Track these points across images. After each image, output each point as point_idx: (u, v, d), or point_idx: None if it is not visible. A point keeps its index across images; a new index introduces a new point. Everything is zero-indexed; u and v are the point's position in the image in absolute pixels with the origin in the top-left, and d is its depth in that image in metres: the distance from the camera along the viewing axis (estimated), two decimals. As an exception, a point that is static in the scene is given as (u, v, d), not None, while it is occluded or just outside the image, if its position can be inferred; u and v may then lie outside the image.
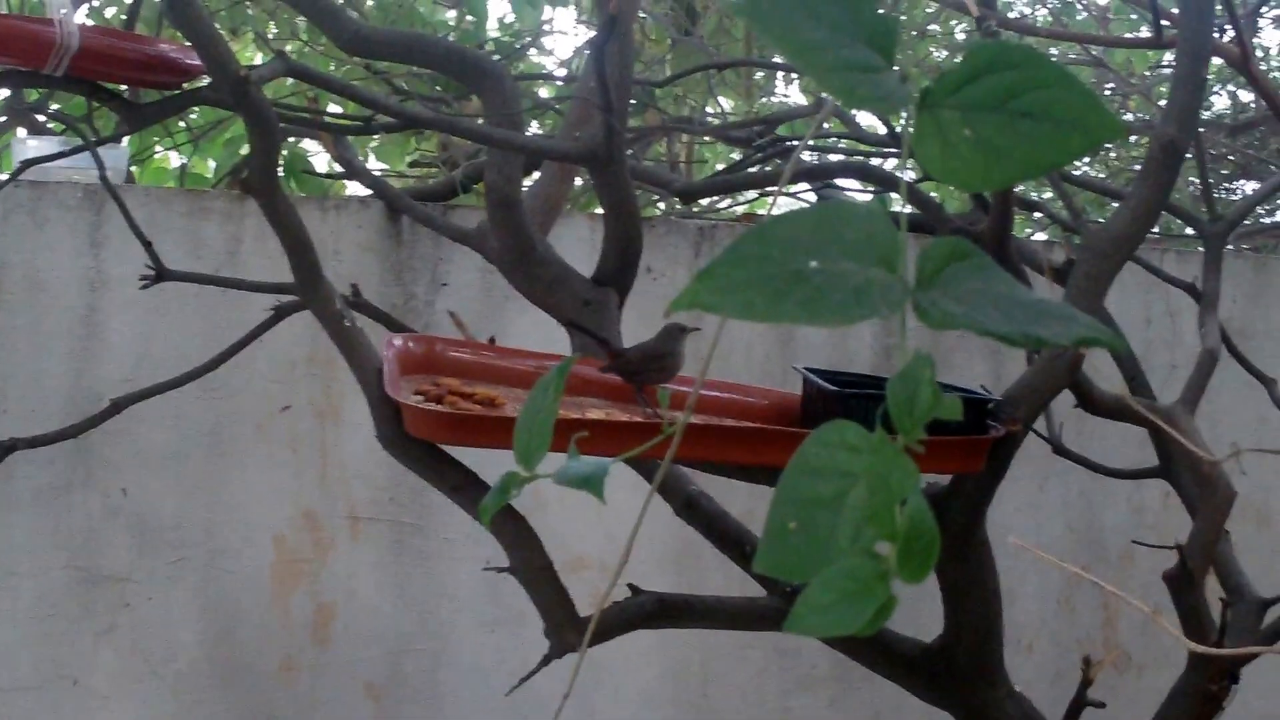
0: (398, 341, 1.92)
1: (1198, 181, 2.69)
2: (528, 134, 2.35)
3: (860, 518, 0.68)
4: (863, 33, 0.72)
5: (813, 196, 3.00)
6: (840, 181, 2.83)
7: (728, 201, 3.94)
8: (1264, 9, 3.61)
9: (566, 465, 0.85)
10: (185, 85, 2.27)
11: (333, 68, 3.52)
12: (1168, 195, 1.83)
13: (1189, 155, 2.30)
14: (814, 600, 0.67)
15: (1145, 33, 3.26)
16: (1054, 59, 0.71)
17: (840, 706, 3.11)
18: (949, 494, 1.87)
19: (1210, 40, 1.81)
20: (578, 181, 3.33)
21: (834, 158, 3.11)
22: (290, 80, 2.62)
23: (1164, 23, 2.07)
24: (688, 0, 3.89)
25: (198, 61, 1.94)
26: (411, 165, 3.94)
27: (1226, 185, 4.28)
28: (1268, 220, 4.05)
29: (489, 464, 1.51)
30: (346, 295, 2.24)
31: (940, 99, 0.71)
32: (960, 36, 4.20)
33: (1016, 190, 2.27)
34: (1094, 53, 3.49)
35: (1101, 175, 4.69)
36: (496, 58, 3.36)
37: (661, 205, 3.93)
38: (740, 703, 3.10)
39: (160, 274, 2.37)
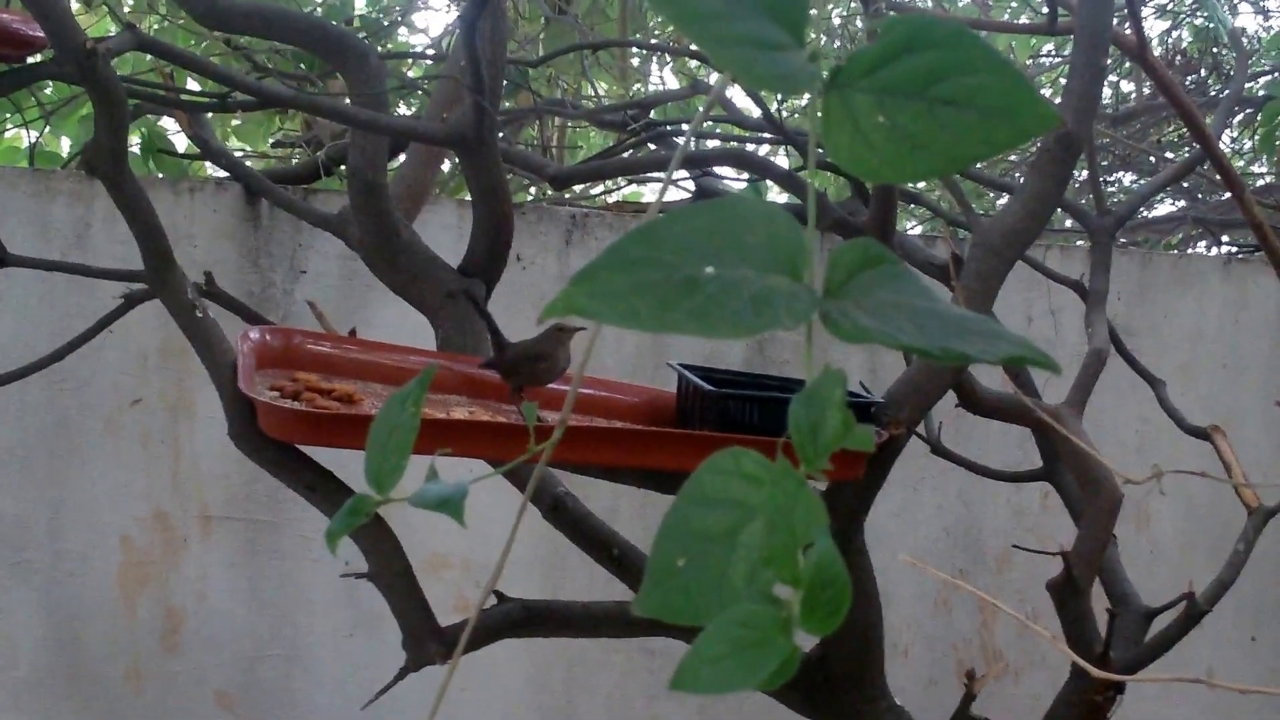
0: (254, 334, 1.82)
1: (1083, 174, 2.65)
2: (393, 115, 2.23)
3: (757, 557, 0.59)
4: (767, 5, 0.63)
5: (691, 184, 2.92)
6: (719, 169, 2.76)
7: (600, 189, 3.85)
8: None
9: (423, 488, 0.76)
10: (29, 58, 2.14)
11: (194, 44, 3.37)
12: (1063, 189, 1.77)
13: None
14: (705, 651, 0.58)
15: (1027, 19, 3.21)
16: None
17: (709, 714, 3.05)
18: (827, 501, 1.78)
19: (1110, 28, 1.74)
20: (445, 166, 3.23)
21: (712, 143, 3.03)
22: (149, 56, 2.49)
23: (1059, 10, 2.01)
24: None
25: (41, 33, 1.81)
26: (274, 146, 3.81)
27: (1106, 178, 4.27)
28: (1149, 214, 4.04)
29: (348, 461, 1.42)
30: (199, 284, 2.13)
31: (852, 81, 0.63)
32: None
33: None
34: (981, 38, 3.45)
35: (982, 165, 4.68)
36: (363, 35, 3.24)
37: (532, 191, 3.83)
38: (605, 711, 3.03)
39: (2, 259, 2.23)
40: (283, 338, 1.88)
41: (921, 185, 4.26)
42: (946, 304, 0.63)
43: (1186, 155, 2.96)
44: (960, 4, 3.78)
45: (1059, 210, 2.54)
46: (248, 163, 3.27)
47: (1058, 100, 1.98)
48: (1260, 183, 4.11)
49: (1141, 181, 3.95)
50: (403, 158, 2.75)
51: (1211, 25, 3.52)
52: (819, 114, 0.62)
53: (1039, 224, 1.74)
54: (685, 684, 0.56)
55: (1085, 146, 1.82)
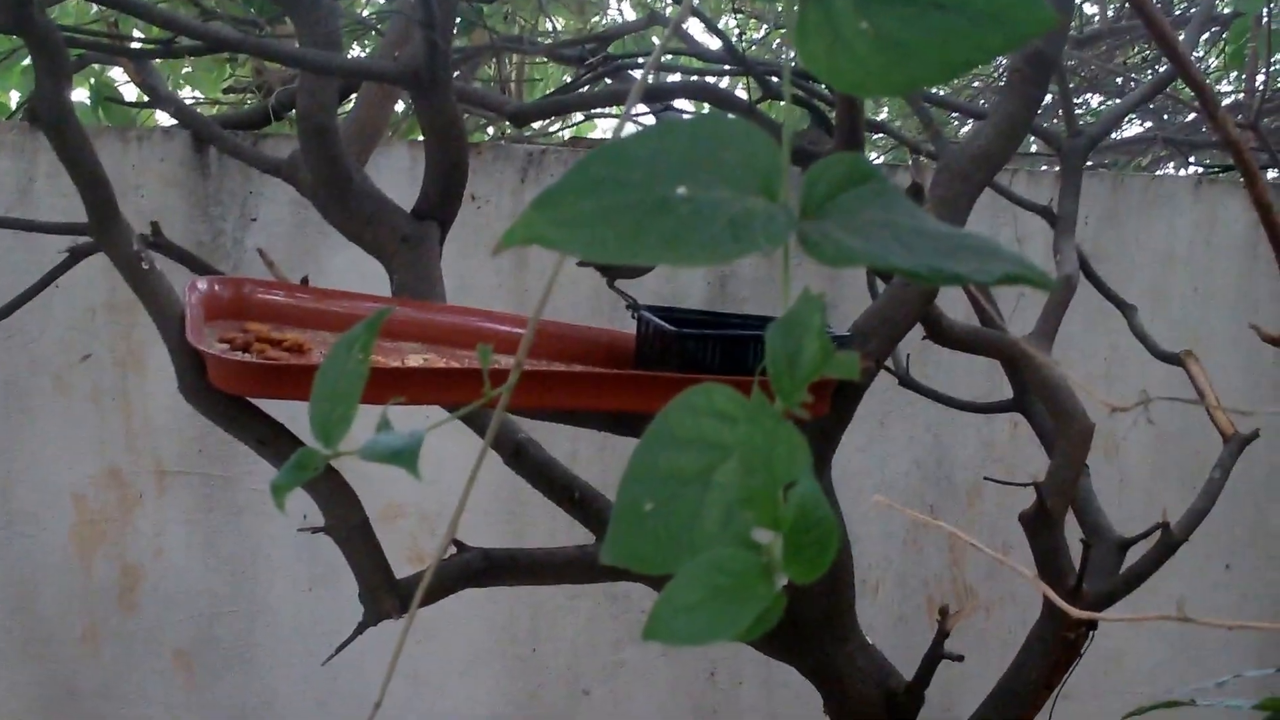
0: (202, 285, 1.76)
1: (1053, 95, 2.60)
2: (345, 56, 2.16)
3: (733, 499, 0.54)
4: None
5: (652, 119, 2.85)
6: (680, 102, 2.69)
7: (557, 125, 3.77)
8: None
9: (375, 439, 0.70)
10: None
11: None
12: (1035, 110, 1.71)
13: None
14: (679, 599, 0.53)
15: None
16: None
17: (674, 656, 3.02)
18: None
19: (1074, -55, 1.68)
20: (399, 106, 3.16)
21: (672, 77, 2.97)
22: (95, 6, 2.42)
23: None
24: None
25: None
26: (226, 91, 3.75)
27: (1074, 100, 4.22)
28: (1119, 136, 4.00)
29: (303, 413, 1.37)
30: (145, 235, 2.07)
31: (834, -15, 0.57)
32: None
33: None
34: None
35: (946, 91, 4.63)
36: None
37: (489, 130, 3.76)
38: (571, 656, 3.00)
39: (-57, 215, 2.16)
40: (232, 287, 1.83)
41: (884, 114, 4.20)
42: (937, 223, 0.58)
43: (1153, 76, 2.90)
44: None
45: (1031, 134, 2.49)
46: (199, 109, 3.20)
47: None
48: (1227, 101, 4.07)
49: (1109, 103, 3.90)
50: (355, 99, 2.68)
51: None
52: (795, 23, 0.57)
53: (1011, 146, 1.69)
54: (659, 634, 0.51)
55: (1057, 65, 1.76)
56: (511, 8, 3.65)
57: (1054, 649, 1.96)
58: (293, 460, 0.71)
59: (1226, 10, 3.65)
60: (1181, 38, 2.45)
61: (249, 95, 3.58)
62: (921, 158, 2.74)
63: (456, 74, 3.55)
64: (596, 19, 3.92)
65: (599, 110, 3.12)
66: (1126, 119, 3.84)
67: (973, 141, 1.69)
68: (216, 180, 2.82)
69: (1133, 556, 2.01)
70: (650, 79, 2.55)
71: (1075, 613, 1.20)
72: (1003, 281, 0.57)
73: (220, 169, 2.82)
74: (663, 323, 1.70)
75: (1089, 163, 3.86)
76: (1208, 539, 3.19)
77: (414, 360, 1.67)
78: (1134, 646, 3.22)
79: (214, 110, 3.54)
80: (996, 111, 1.69)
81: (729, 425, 0.57)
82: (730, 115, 0.57)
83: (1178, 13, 3.94)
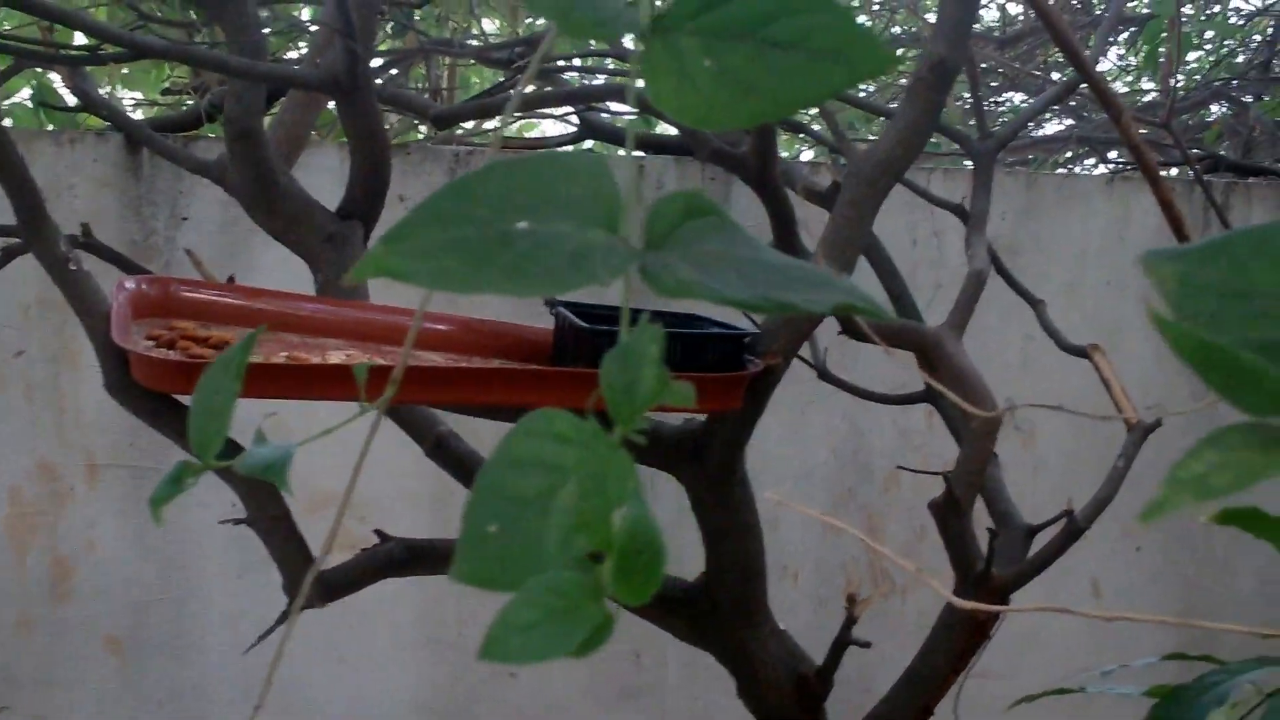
0: (129, 284, 1.79)
1: (968, 97, 2.65)
2: (268, 62, 2.18)
3: (570, 522, 0.58)
4: (583, -50, 0.61)
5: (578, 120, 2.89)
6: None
7: (492, 125, 3.80)
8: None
9: (250, 451, 0.74)
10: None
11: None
12: (937, 117, 1.75)
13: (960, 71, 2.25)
14: (515, 619, 0.56)
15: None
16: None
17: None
18: (707, 432, 1.79)
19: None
20: (332, 105, 3.18)
21: (602, 79, 3.01)
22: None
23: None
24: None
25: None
26: (164, 93, 3.77)
27: (996, 99, 4.29)
28: (1037, 134, 4.06)
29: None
30: (76, 235, 2.09)
31: (678, 24, 0.61)
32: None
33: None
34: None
35: (872, 89, 4.68)
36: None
37: (423, 130, 3.78)
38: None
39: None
40: (159, 286, 1.85)
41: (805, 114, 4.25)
42: (775, 254, 0.62)
43: (1066, 77, 2.96)
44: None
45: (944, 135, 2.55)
46: (139, 111, 3.22)
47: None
48: (1147, 99, 4.15)
49: (1030, 102, 3.96)
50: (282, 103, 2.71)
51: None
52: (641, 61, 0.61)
53: (913, 152, 1.74)
54: (494, 653, 0.55)
55: (959, 73, 1.80)
56: (444, 11, 3.67)
57: (963, 632, 2.02)
58: (170, 474, 0.75)
59: (1145, 10, 3.72)
60: (1091, 41, 2.51)
61: (187, 96, 3.59)
62: (841, 159, 2.79)
63: (390, 76, 3.59)
64: (530, 21, 3.95)
65: (522, 114, 3.15)
66: (1046, 118, 3.92)
67: (878, 148, 1.74)
68: (148, 181, 2.84)
69: (1042, 544, 2.07)
70: (575, 81, 2.60)
71: (959, 603, 1.26)
72: (837, 310, 0.61)
73: (152, 170, 2.85)
74: (576, 319, 1.74)
75: (1009, 160, 3.95)
76: (1120, 523, 3.28)
77: (335, 357, 1.71)
78: (1049, 627, 3.29)
79: (154, 111, 3.55)
80: (900, 118, 1.73)
81: (568, 448, 0.59)
82: (574, 151, 0.62)
83: (1098, 12, 4.01)
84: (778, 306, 0.60)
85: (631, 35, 0.62)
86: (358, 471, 0.80)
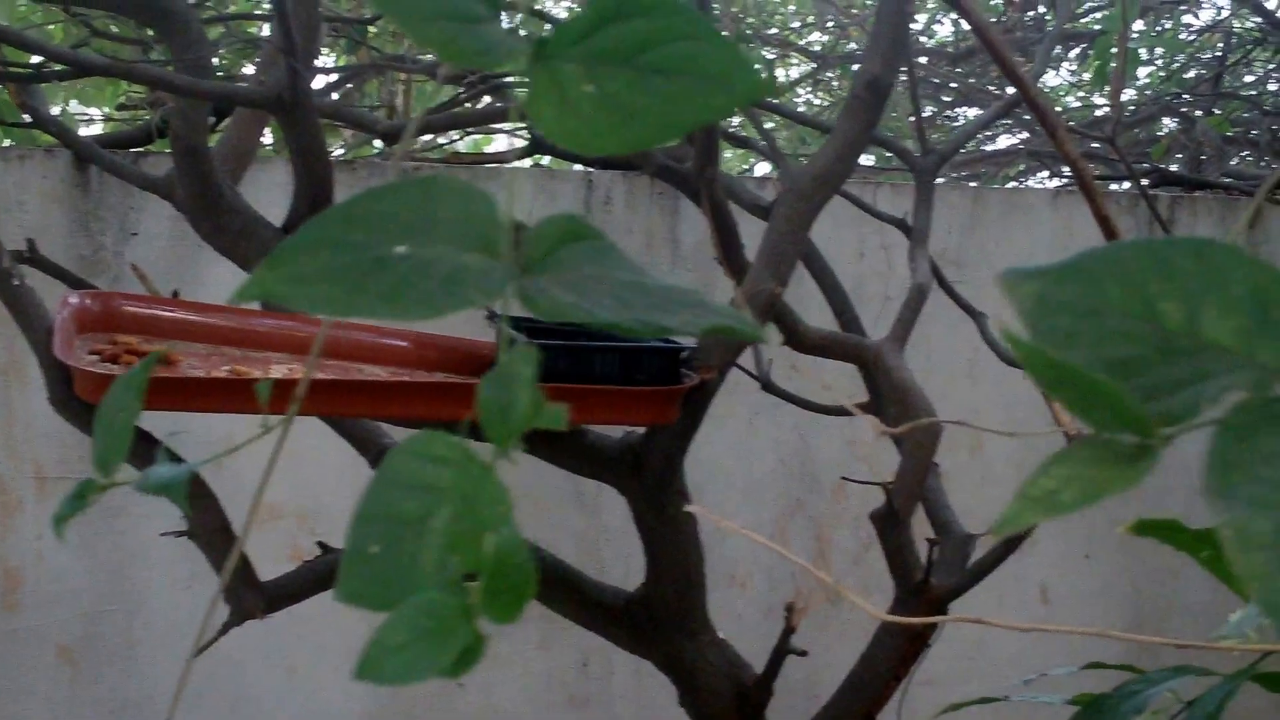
0: (74, 299, 1.81)
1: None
2: (211, 79, 2.19)
3: (445, 544, 0.59)
4: (465, -22, 0.62)
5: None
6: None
7: (446, 139, 3.81)
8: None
9: (151, 470, 0.75)
10: None
11: (31, 11, 3.31)
12: (871, 133, 1.78)
13: (904, 86, 2.27)
14: (389, 640, 0.57)
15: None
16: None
17: (548, 647, 3.08)
18: (645, 445, 1.81)
19: (909, -28, 1.75)
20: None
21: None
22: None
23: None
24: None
25: None
26: (120, 109, 3.77)
27: (949, 114, 4.32)
28: (989, 148, 4.09)
29: (165, 420, 1.42)
30: (21, 251, 2.09)
31: (560, 50, 0.62)
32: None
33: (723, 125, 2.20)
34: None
35: (825, 103, 4.71)
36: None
37: (378, 144, 3.80)
38: (448, 650, 3.04)
39: None
40: (103, 301, 1.87)
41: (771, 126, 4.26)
42: (654, 277, 0.63)
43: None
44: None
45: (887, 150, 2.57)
46: (95, 126, 3.22)
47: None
48: (1101, 113, 4.18)
49: (973, 118, 3.99)
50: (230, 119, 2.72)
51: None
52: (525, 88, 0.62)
53: (848, 167, 1.76)
54: (369, 673, 0.56)
55: (893, 90, 1.82)
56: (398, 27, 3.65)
57: (902, 640, 2.04)
58: (73, 491, 0.76)
59: (1097, 27, 3.75)
60: (1035, 59, 2.53)
61: (143, 112, 3.60)
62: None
63: (344, 91, 3.60)
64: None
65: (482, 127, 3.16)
66: (998, 131, 3.95)
67: (814, 164, 1.76)
68: (97, 196, 2.85)
69: (987, 554, 2.09)
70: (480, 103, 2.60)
71: (874, 613, 1.27)
72: (715, 333, 0.62)
73: (101, 185, 2.85)
74: (515, 333, 1.75)
75: (960, 173, 3.98)
76: (1069, 531, 3.31)
77: (278, 371, 1.72)
78: (995, 634, 3.31)
79: (110, 126, 3.56)
80: (836, 135, 1.75)
81: (445, 470, 0.60)
82: (452, 177, 0.63)
83: (1050, 28, 4.04)
84: (652, 329, 0.61)
85: (513, 63, 0.63)
86: (264, 485, 0.81)
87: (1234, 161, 3.92)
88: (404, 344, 1.86)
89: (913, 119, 3.64)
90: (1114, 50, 3.12)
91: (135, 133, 3.10)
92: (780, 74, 4.61)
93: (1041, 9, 4.14)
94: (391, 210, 0.60)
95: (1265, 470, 0.51)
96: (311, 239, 0.59)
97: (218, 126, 2.52)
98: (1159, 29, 4.10)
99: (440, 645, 0.56)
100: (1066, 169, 3.93)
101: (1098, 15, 4.01)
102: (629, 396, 1.67)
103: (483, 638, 0.56)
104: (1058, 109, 4.34)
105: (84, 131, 3.47)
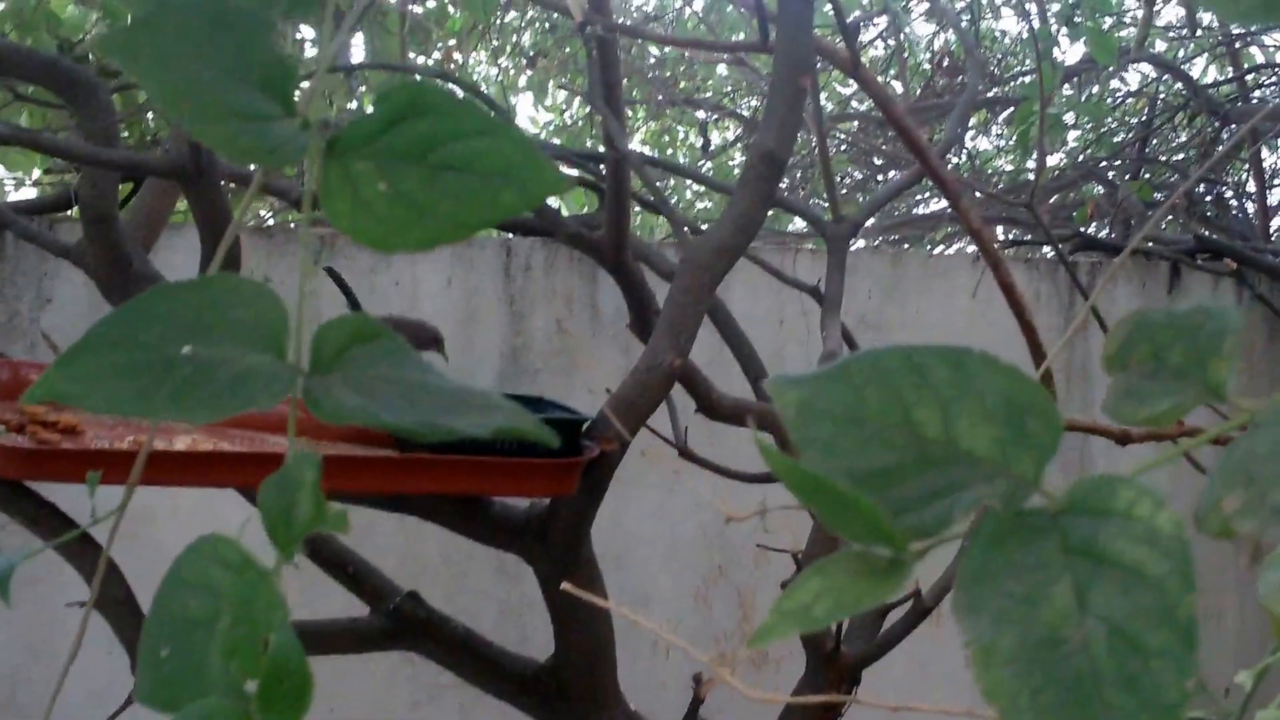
0: None
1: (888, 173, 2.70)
2: (116, 148, 2.20)
3: (225, 649, 0.59)
4: (255, 75, 0.63)
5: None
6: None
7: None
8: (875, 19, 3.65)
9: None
10: None
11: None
12: (768, 206, 1.79)
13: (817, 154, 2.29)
14: None
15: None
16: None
17: (469, 714, 3.06)
18: (551, 515, 1.81)
19: (809, 49, 1.76)
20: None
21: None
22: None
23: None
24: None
25: None
26: (46, 173, 3.76)
27: (878, 178, 4.34)
28: (916, 212, 4.12)
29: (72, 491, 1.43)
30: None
31: (352, 148, 0.63)
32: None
33: (635, 189, 2.22)
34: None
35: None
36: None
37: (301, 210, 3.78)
38: (368, 714, 3.02)
39: None
40: (10, 370, 1.88)
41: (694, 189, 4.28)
42: (444, 378, 0.63)
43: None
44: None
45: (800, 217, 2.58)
46: (22, 190, 3.22)
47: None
48: (1029, 176, 4.22)
49: (882, 187, 4.02)
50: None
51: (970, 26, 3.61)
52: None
53: (746, 239, 1.77)
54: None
55: (788, 164, 1.84)
56: (325, 90, 3.65)
57: (815, 709, 2.04)
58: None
59: (1021, 94, 3.79)
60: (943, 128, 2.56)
61: (68, 175, 3.59)
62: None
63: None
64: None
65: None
66: (925, 196, 3.98)
67: (712, 235, 1.78)
68: (12, 262, 2.84)
69: (896, 623, 2.09)
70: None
71: (757, 696, 1.27)
72: (502, 434, 0.62)
73: (16, 251, 2.85)
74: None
75: (885, 239, 4.01)
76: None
77: (180, 442, 1.71)
78: (915, 695, 3.30)
79: (42, 190, 3.56)
80: (733, 206, 1.77)
81: (229, 573, 0.60)
82: (238, 277, 0.63)
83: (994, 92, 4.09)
84: (440, 432, 0.61)
85: (303, 162, 0.63)
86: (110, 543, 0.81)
87: (1166, 229, 3.96)
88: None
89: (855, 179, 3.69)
90: (1035, 117, 3.16)
91: (57, 197, 3.09)
92: (715, 137, 4.65)
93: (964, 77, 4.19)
94: (180, 310, 0.61)
95: (1013, 584, 0.51)
96: (101, 338, 0.60)
97: (132, 194, 2.52)
98: (1088, 94, 4.15)
99: (219, 753, 0.56)
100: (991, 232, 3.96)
101: (1027, 79, 4.05)
102: (527, 468, 1.68)
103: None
104: (988, 172, 4.38)
105: (13, 196, 3.47)
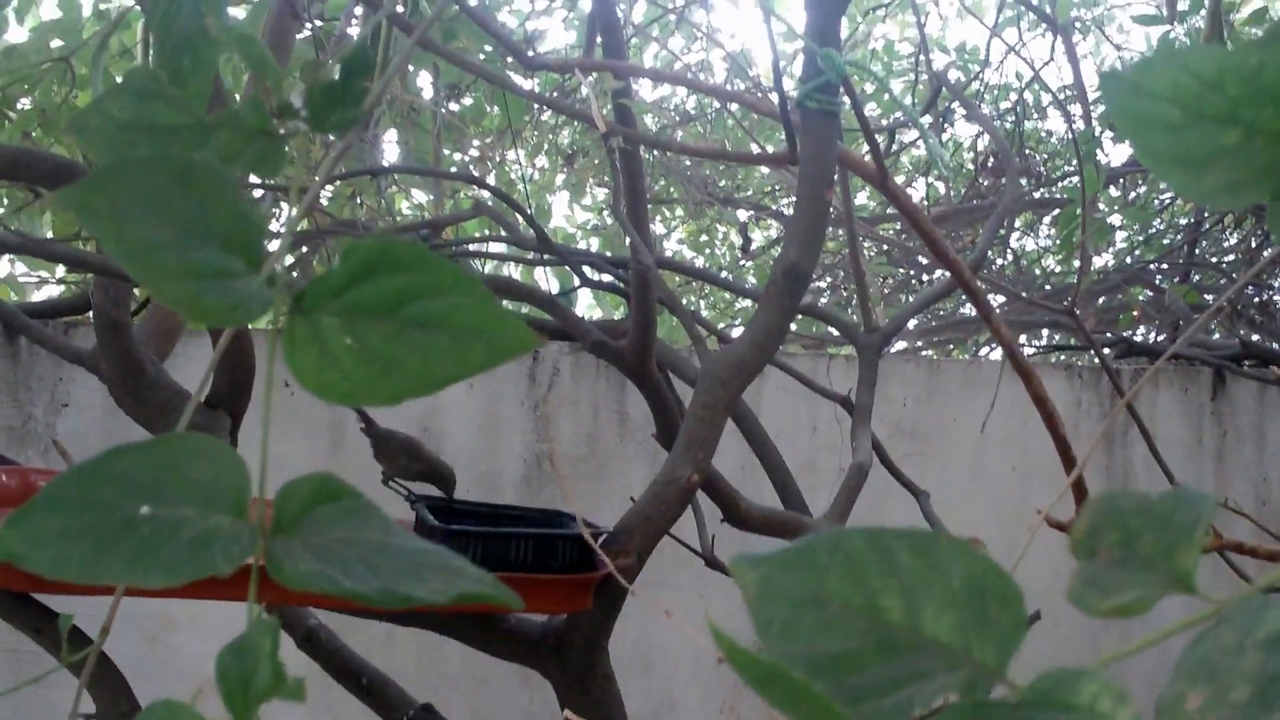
0: None
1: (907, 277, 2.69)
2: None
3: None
4: (218, 231, 0.62)
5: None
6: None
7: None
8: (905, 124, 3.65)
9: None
10: None
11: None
12: (790, 320, 1.77)
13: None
14: None
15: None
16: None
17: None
18: (567, 629, 1.79)
19: (833, 162, 1.75)
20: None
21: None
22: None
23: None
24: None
25: None
26: (69, 271, 3.79)
27: (922, 278, 4.32)
28: (954, 318, 4.09)
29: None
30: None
31: (318, 303, 0.62)
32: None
33: (663, 293, 2.21)
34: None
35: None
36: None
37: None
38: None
39: None
40: (19, 478, 1.89)
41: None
42: (406, 541, 0.62)
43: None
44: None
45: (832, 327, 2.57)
46: (45, 288, 3.23)
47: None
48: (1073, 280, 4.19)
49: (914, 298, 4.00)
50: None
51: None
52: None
53: (766, 355, 1.75)
54: None
55: (811, 277, 1.83)
56: (354, 190, 3.68)
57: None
58: None
59: (1066, 195, 3.77)
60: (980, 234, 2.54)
61: (90, 276, 3.61)
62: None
63: (300, 254, 3.61)
64: (458, 194, 3.97)
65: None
66: (964, 301, 3.95)
67: (731, 350, 1.76)
68: (27, 366, 2.84)
69: None
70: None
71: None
72: (463, 600, 0.61)
73: (31, 355, 2.84)
74: (430, 517, 1.75)
75: (920, 344, 3.98)
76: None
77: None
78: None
79: (66, 290, 3.58)
80: (754, 322, 1.75)
81: None
82: (201, 436, 0.61)
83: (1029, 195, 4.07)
84: (396, 599, 0.59)
85: (266, 317, 0.63)
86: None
87: (1213, 332, 3.92)
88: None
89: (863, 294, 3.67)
90: (1079, 220, 3.14)
91: (75, 299, 3.07)
92: (756, 235, 4.65)
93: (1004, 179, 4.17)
94: (140, 469, 0.60)
95: (972, 778, 0.49)
96: (54, 498, 0.58)
97: (148, 301, 2.52)
98: (1135, 194, 4.13)
99: None
100: (1025, 339, 3.94)
101: (1073, 179, 4.04)
102: (541, 585, 1.66)
103: None
104: (1035, 272, 4.35)
105: (36, 295, 3.49)
